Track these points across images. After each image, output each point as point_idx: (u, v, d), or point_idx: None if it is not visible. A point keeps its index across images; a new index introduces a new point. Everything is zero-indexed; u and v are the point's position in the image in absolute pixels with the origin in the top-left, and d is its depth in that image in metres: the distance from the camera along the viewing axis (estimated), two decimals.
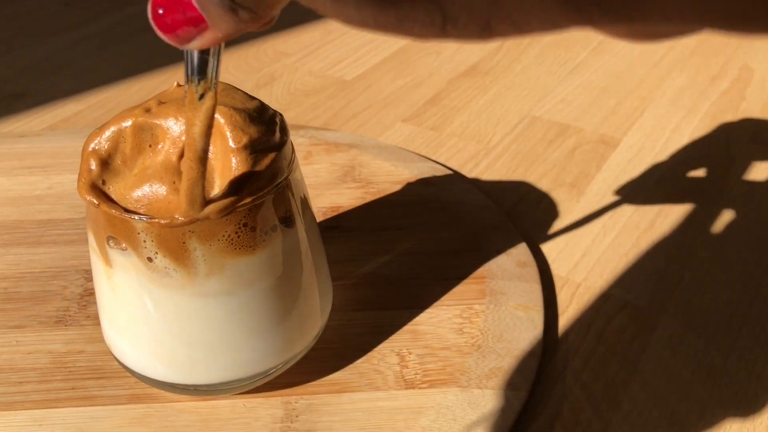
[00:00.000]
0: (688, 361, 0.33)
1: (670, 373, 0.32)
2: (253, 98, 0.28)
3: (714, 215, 0.42)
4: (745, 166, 0.46)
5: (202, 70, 0.21)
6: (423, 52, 0.62)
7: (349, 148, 0.47)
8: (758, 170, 0.46)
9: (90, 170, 0.26)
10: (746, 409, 0.31)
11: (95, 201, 0.25)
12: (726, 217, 0.42)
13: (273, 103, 0.55)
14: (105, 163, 0.26)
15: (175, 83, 0.29)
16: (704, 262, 0.39)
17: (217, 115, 0.26)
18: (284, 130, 0.28)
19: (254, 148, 0.26)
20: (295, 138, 0.47)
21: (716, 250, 0.39)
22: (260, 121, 0.27)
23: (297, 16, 0.70)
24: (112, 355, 0.31)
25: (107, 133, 0.27)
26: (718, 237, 0.40)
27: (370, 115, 0.53)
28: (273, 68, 0.60)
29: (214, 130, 0.25)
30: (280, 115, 0.28)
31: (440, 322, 0.34)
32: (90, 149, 0.27)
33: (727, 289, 0.37)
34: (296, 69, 0.60)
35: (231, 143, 0.26)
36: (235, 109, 0.26)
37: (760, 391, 0.32)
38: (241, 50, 0.63)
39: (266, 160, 0.26)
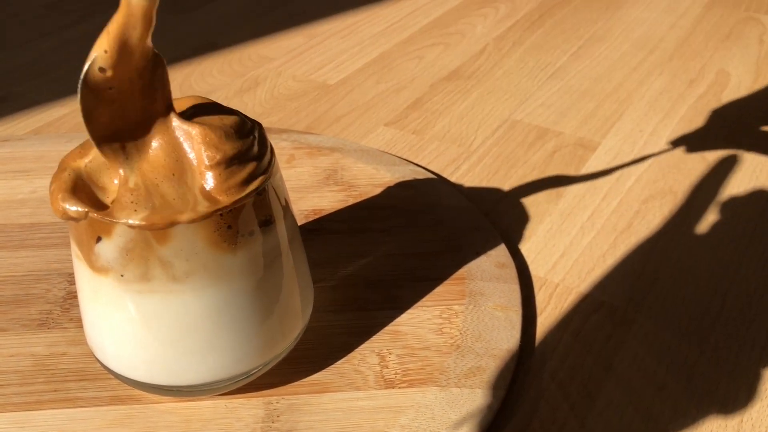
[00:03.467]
0: (662, 358, 0.34)
1: (645, 370, 0.33)
2: (230, 113, 0.28)
3: (689, 217, 0.43)
4: (719, 169, 0.47)
5: None
6: (405, 56, 0.63)
7: (331, 151, 0.47)
8: (732, 172, 0.47)
9: (68, 179, 0.27)
10: (718, 404, 0.32)
11: (80, 208, 0.26)
12: (701, 218, 0.43)
13: (256, 107, 0.55)
14: (81, 175, 0.27)
15: None
16: (679, 263, 0.39)
17: (193, 131, 0.26)
18: (263, 141, 0.28)
19: (230, 163, 0.26)
20: (278, 142, 0.48)
21: (691, 251, 0.40)
22: (237, 137, 0.27)
23: (280, 21, 0.70)
24: (95, 357, 0.31)
25: (89, 154, 0.27)
26: (692, 238, 0.41)
27: (353, 119, 0.54)
28: (256, 73, 0.60)
29: (191, 144, 0.26)
30: (259, 125, 0.29)
31: (420, 323, 0.34)
32: (67, 164, 0.27)
33: (701, 289, 0.38)
34: (279, 73, 0.60)
35: (206, 161, 0.26)
36: (210, 127, 0.27)
37: (731, 387, 0.32)
38: (225, 55, 0.64)
39: (244, 172, 0.26)
